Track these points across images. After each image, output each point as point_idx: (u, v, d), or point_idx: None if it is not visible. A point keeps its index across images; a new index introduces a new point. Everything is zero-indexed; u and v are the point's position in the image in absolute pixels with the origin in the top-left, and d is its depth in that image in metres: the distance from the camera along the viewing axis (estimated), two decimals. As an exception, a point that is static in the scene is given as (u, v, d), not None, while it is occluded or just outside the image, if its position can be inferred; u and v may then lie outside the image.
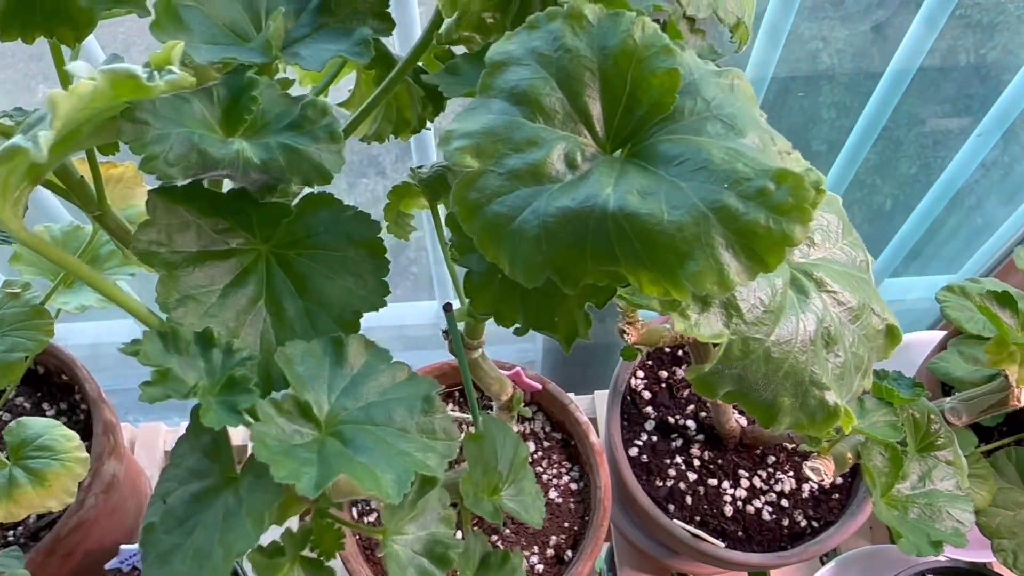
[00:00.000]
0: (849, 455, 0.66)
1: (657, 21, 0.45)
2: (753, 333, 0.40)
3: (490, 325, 1.05)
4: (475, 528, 0.54)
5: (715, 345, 0.41)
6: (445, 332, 0.60)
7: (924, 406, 0.66)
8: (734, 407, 0.88)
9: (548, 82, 0.39)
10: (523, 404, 0.86)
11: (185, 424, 1.01)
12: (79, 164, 0.53)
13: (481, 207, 0.38)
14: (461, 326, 0.60)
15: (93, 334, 1.23)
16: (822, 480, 0.61)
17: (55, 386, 0.90)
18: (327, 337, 0.40)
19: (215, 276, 0.42)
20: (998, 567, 0.85)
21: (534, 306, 0.44)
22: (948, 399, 0.68)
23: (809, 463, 0.61)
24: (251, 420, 0.35)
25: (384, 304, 0.44)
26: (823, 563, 0.99)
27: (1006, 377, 0.63)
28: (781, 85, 1.36)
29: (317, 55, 0.43)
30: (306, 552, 0.38)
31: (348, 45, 0.43)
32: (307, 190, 0.46)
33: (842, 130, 1.24)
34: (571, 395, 0.87)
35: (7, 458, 0.68)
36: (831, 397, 0.43)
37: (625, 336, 0.71)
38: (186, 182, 0.41)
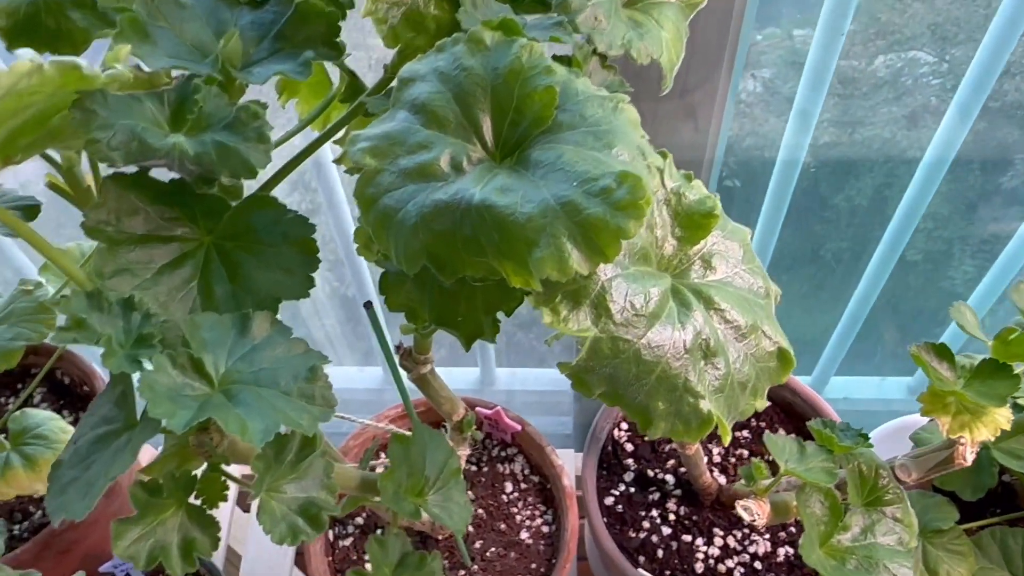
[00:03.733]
0: (793, 504, 0.67)
1: (566, 60, 0.50)
2: (622, 334, 0.43)
3: (534, 402, 1.06)
4: (399, 531, 0.57)
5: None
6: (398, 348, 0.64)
7: (873, 460, 0.66)
8: (708, 463, 0.89)
9: (445, 96, 0.44)
10: (504, 446, 0.89)
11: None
12: (88, 177, 0.61)
13: (375, 200, 0.42)
14: (409, 340, 0.64)
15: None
16: (753, 520, 0.62)
17: (76, 396, 0.97)
18: (237, 313, 0.45)
19: (154, 256, 0.47)
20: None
21: (439, 305, 0.48)
22: (899, 456, 0.67)
23: (742, 503, 0.62)
24: (147, 374, 0.40)
25: (307, 295, 0.49)
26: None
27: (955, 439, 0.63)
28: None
29: (264, 73, 0.49)
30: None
31: (292, 66, 0.49)
32: (253, 191, 0.52)
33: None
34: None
35: (7, 442, 0.74)
36: (705, 405, 0.45)
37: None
38: (137, 170, 0.47)
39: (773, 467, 0.84)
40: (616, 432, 0.93)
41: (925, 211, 1.06)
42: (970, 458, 0.62)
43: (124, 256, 0.46)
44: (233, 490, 1.14)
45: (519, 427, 0.88)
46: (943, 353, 0.60)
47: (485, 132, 0.44)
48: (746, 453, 0.91)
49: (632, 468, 0.90)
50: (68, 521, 0.85)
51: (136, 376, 0.42)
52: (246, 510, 1.18)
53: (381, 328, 0.54)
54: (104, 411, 0.43)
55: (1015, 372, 0.58)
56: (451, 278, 0.41)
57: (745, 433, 0.93)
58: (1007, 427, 0.58)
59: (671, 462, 0.91)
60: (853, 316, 1.28)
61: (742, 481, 0.61)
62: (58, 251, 0.47)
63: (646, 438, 0.93)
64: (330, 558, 0.85)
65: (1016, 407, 0.83)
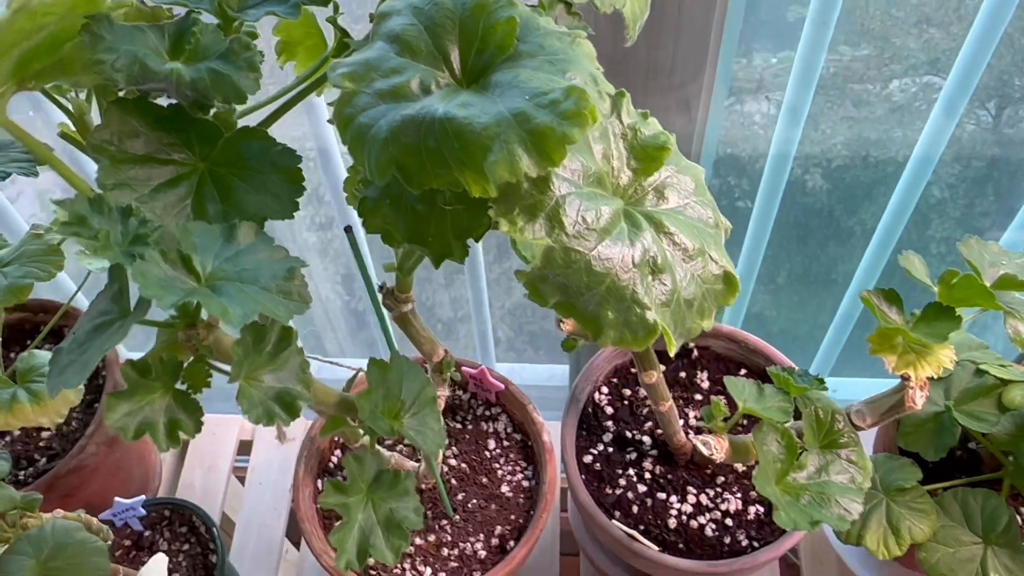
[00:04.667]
0: (753, 445, 0.70)
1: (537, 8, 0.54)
2: (574, 245, 0.47)
3: (534, 397, 1.10)
4: (375, 451, 0.61)
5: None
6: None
7: (829, 405, 0.69)
8: (684, 427, 0.92)
9: (418, 27, 0.48)
10: (488, 405, 0.93)
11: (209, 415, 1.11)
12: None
13: (352, 119, 0.47)
14: (391, 279, 0.68)
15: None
16: (712, 455, 0.65)
17: (83, 352, 1.02)
18: (225, 223, 0.49)
19: (153, 175, 0.52)
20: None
21: (412, 226, 0.53)
22: (855, 403, 0.71)
23: (701, 437, 0.66)
24: (139, 264, 0.44)
25: (291, 216, 0.54)
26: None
27: (904, 381, 0.66)
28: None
29: (257, 13, 0.54)
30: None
31: (284, 8, 0.54)
32: (243, 123, 0.56)
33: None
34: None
35: (14, 381, 0.78)
36: (651, 316, 0.49)
37: (562, 325, 0.77)
38: (138, 96, 0.52)
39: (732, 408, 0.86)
40: (596, 395, 0.96)
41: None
42: (919, 402, 0.65)
43: (125, 172, 0.51)
44: (228, 461, 1.18)
45: (503, 386, 0.92)
46: (892, 298, 0.63)
47: (453, 60, 0.48)
48: (706, 428, 0.94)
49: (611, 430, 0.94)
50: (71, 462, 0.89)
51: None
52: (242, 482, 1.22)
53: (360, 252, 0.58)
54: (101, 307, 0.47)
55: (957, 314, 0.61)
56: (418, 189, 0.45)
57: (723, 398, 0.96)
58: (950, 367, 0.61)
59: (648, 424, 0.94)
60: (846, 315, 1.31)
61: (699, 440, 0.65)
62: (67, 168, 0.51)
63: (625, 396, 0.96)
64: (317, 505, 0.88)
65: (978, 371, 0.86)
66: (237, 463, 1.21)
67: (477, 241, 0.54)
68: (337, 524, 0.58)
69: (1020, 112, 1.54)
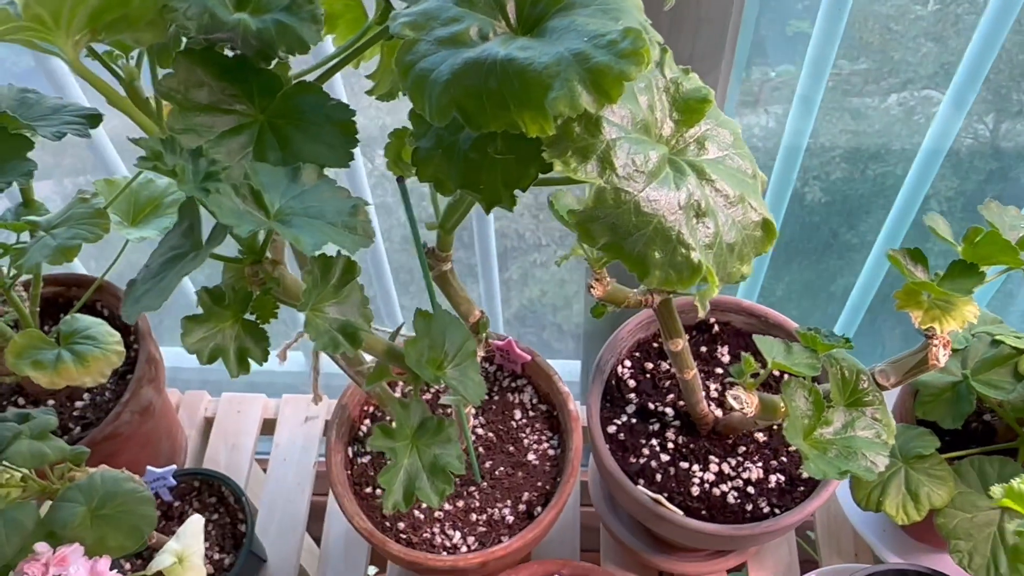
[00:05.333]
0: (781, 404, 0.72)
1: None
2: (624, 186, 0.50)
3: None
4: (419, 398, 0.63)
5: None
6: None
7: (854, 365, 0.72)
8: (705, 393, 0.94)
9: (475, -20, 0.51)
10: (515, 377, 0.95)
11: (226, 394, 1.14)
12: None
13: (413, 65, 0.49)
14: (433, 237, 0.70)
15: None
16: (743, 409, 0.67)
17: (115, 325, 1.04)
18: (290, 167, 0.51)
19: (216, 123, 0.54)
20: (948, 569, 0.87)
21: (463, 173, 0.55)
22: (879, 363, 0.73)
23: (732, 392, 0.68)
24: (214, 196, 0.46)
25: (347, 165, 0.56)
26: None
27: (928, 338, 0.69)
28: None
29: (317, -29, 0.56)
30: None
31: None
32: (299, 79, 0.59)
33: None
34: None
35: (58, 343, 0.81)
36: (696, 256, 0.51)
37: (592, 290, 0.79)
38: (204, 47, 0.54)
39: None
40: (620, 369, 0.98)
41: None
42: (943, 359, 0.68)
43: (191, 119, 0.53)
44: (252, 439, 1.20)
45: (529, 357, 0.94)
46: (917, 257, 0.66)
47: (509, 10, 0.50)
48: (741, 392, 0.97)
49: (634, 401, 0.96)
50: (107, 429, 0.91)
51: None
52: (263, 467, 1.24)
53: (409, 202, 0.60)
54: (172, 242, 0.49)
55: (980, 270, 0.64)
56: (477, 130, 0.48)
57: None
58: (974, 320, 0.64)
59: (670, 396, 0.96)
60: (854, 308, 1.34)
61: (731, 394, 0.67)
62: (139, 113, 0.54)
63: (647, 369, 0.99)
64: (349, 472, 0.91)
65: (993, 342, 0.88)
66: (258, 452, 1.22)
67: (524, 190, 0.56)
68: (384, 467, 0.60)
69: (1018, 126, 1.57)
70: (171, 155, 0.48)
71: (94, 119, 0.72)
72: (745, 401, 0.67)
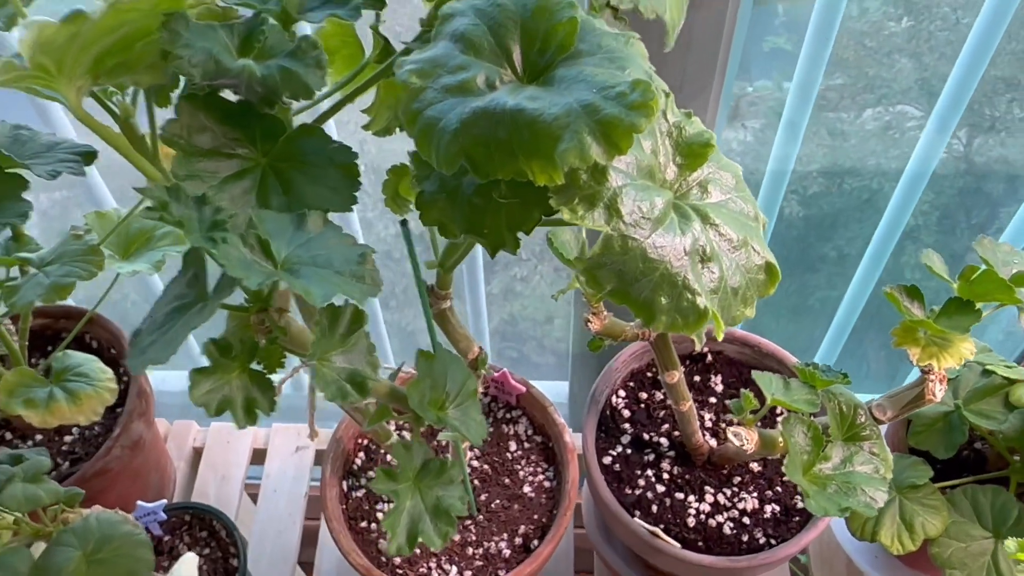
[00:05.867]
0: (780, 439, 0.73)
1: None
2: (631, 233, 0.50)
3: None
4: (420, 440, 0.62)
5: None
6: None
7: (851, 400, 0.72)
8: (701, 426, 0.94)
9: (481, 28, 0.51)
10: (509, 408, 0.95)
11: (215, 424, 1.13)
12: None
13: (420, 113, 0.49)
14: (433, 277, 0.70)
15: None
16: (743, 445, 0.67)
17: (104, 359, 1.02)
18: (295, 213, 0.51)
19: (220, 168, 0.54)
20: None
21: (467, 218, 0.55)
22: (876, 397, 0.74)
23: (733, 429, 0.68)
24: (222, 247, 0.46)
25: (350, 209, 0.56)
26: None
27: (924, 374, 0.69)
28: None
29: (320, 15, 0.56)
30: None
31: (344, 11, 0.57)
32: (302, 121, 0.59)
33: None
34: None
35: (46, 376, 0.80)
36: (702, 301, 0.51)
37: (589, 325, 0.80)
38: (207, 92, 0.54)
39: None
40: (614, 399, 0.98)
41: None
42: (939, 394, 0.68)
43: (195, 164, 0.53)
44: (242, 471, 1.19)
45: (524, 389, 0.94)
46: (914, 294, 0.66)
47: (515, 59, 0.51)
48: (735, 420, 0.97)
49: (629, 432, 0.96)
50: (97, 464, 0.90)
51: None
52: (253, 499, 1.22)
53: (413, 246, 0.60)
54: (176, 291, 0.49)
55: (976, 308, 0.64)
56: (485, 178, 0.48)
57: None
58: (970, 356, 0.64)
59: (665, 427, 0.97)
60: (840, 327, 1.35)
61: (731, 431, 0.67)
62: (139, 157, 0.53)
63: (641, 399, 0.99)
64: (344, 506, 0.90)
65: (984, 372, 0.89)
66: (248, 479, 1.22)
67: (528, 233, 0.56)
68: (387, 510, 0.59)
69: (990, 141, 1.60)
70: (176, 204, 0.48)
71: (88, 156, 0.72)
72: (745, 438, 0.68)
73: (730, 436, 0.68)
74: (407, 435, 0.91)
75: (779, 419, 0.75)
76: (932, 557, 0.86)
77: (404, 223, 0.60)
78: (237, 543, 0.98)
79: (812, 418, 0.71)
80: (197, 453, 1.21)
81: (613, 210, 0.50)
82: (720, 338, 0.53)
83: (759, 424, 0.72)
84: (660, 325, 0.52)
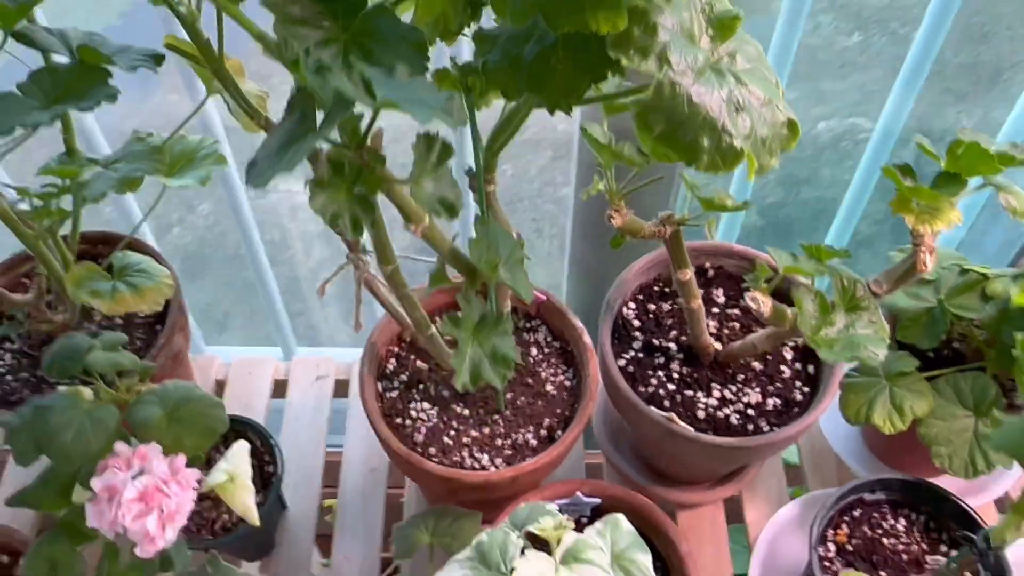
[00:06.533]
0: (788, 312, 0.81)
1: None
2: (679, 80, 0.58)
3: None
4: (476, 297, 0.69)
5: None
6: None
7: (851, 276, 0.81)
8: (709, 332, 1.02)
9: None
10: (529, 318, 1.02)
11: (236, 357, 1.17)
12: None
13: (496, -26, 0.57)
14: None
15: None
16: (759, 309, 0.76)
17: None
18: (384, 66, 0.58)
19: (309, 36, 0.61)
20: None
21: (529, 81, 0.62)
22: (871, 275, 0.82)
23: (750, 294, 0.76)
24: (337, 77, 0.53)
25: (425, 71, 0.63)
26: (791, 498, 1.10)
27: (916, 246, 0.78)
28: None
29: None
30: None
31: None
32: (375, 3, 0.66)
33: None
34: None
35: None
36: (739, 143, 0.59)
37: (612, 220, 0.87)
38: (299, -33, 0.61)
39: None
40: (625, 310, 1.06)
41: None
42: (930, 264, 0.77)
43: (289, 29, 0.59)
44: (264, 400, 1.24)
45: (544, 297, 1.01)
46: (908, 171, 0.75)
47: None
48: (738, 326, 1.05)
49: (640, 339, 1.04)
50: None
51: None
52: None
53: (476, 121, 0.67)
54: (285, 128, 0.56)
55: (963, 179, 0.73)
56: (555, 30, 0.56)
57: (736, 311, 1.07)
58: (959, 222, 0.73)
59: (673, 333, 1.04)
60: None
61: (749, 296, 0.76)
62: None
63: (650, 310, 1.07)
64: (380, 404, 0.96)
65: (962, 271, 0.99)
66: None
67: (580, 99, 0.64)
68: (454, 351, 0.66)
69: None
70: (287, 50, 0.55)
71: (158, 58, 0.78)
72: (761, 302, 0.76)
73: (749, 302, 0.76)
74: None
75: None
76: (920, 436, 0.94)
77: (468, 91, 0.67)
78: (273, 451, 1.04)
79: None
80: (220, 385, 1.26)
81: (663, 59, 0.58)
82: (751, 179, 0.60)
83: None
84: (702, 165, 0.60)
